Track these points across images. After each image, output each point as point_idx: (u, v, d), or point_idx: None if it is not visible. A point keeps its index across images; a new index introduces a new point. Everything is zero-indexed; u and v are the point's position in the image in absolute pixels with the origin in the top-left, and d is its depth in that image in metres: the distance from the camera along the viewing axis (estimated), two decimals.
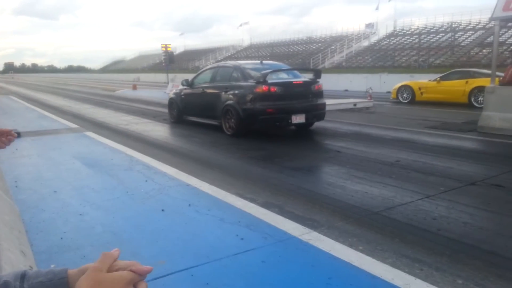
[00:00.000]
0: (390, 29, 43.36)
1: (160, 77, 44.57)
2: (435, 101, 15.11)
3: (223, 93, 8.85)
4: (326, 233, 3.67)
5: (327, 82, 27.34)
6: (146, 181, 5.30)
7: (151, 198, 4.63)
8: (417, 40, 37.19)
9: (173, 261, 3.09)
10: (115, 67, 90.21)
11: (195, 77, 10.64)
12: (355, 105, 14.99)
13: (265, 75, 8.27)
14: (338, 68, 37.04)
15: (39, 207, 4.33)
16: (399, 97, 16.42)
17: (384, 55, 37.21)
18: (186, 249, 3.30)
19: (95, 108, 16.71)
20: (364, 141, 8.34)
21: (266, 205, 4.40)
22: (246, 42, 64.75)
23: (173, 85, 26.79)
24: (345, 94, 22.36)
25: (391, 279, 2.81)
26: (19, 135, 8.88)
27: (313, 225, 3.87)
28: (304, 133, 9.24)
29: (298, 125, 9.01)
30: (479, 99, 13.44)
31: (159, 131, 10.10)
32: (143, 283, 0.76)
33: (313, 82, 9.03)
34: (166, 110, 14.94)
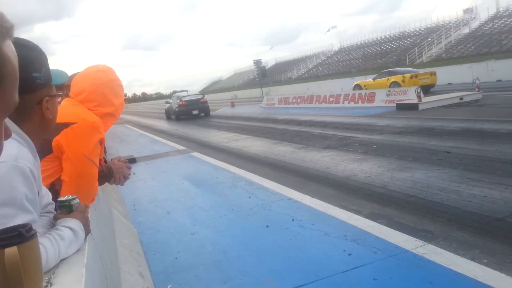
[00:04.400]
0: (492, 11, 39.40)
1: (255, 92, 45.83)
2: None
3: (173, 105, 25.49)
4: (443, 245, 3.36)
5: None
6: (250, 197, 5.43)
7: (255, 214, 4.72)
8: None
9: (282, 279, 3.08)
10: (214, 88, 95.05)
11: (171, 99, 27.72)
12: (461, 99, 13.77)
13: (182, 97, 25.36)
14: (438, 61, 34.55)
15: (155, 228, 4.67)
16: None
17: (488, 40, 33.84)
18: (293, 266, 3.28)
19: (198, 128, 17.73)
20: (476, 138, 7.58)
21: (372, 217, 4.21)
22: (335, 47, 63.82)
23: (268, 98, 27.33)
24: (449, 88, 20.65)
25: None
26: (134, 161, 9.78)
27: (427, 236, 3.58)
28: (406, 134, 8.71)
29: (196, 115, 24.23)
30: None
31: (258, 146, 10.33)
32: None
33: (200, 97, 25.90)
34: (263, 125, 15.30)
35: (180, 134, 16.20)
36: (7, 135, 0.68)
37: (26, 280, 0.88)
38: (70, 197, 1.47)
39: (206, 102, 25.08)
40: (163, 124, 23.50)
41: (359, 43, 58.99)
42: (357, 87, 23.10)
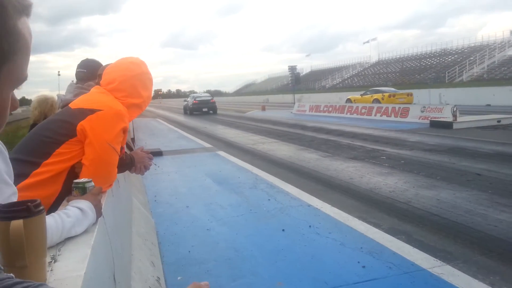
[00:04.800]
0: None
1: (288, 98, 45.79)
2: None
3: (189, 103, 31.73)
4: (462, 267, 3.25)
5: (465, 96, 25.03)
6: (269, 199, 5.42)
7: (273, 217, 4.70)
8: None
9: (291, 283, 3.05)
10: (247, 90, 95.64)
11: (188, 98, 34.08)
12: (499, 121, 13.30)
13: (196, 97, 32.46)
14: (478, 81, 33.50)
15: (172, 220, 4.73)
16: None
17: None
18: (304, 272, 3.24)
19: (226, 128, 17.86)
20: (510, 162, 7.30)
21: (391, 231, 4.11)
22: (373, 59, 63.01)
23: (299, 105, 27.25)
24: (487, 109, 19.97)
25: None
26: (160, 154, 9.95)
27: (446, 257, 3.47)
28: (437, 153, 8.48)
29: (205, 112, 30.07)
30: None
31: (284, 150, 10.30)
32: None
33: (210, 98, 32.19)
34: (291, 130, 15.26)
35: (208, 132, 16.36)
36: (14, 107, 0.72)
37: (28, 253, 0.91)
38: (85, 179, 1.51)
39: (214, 102, 31.58)
40: (193, 121, 23.80)
41: (398, 56, 58.04)
42: (348, 101, 26.47)
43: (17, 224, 0.88)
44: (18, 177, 1.73)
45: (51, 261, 1.06)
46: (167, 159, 9.45)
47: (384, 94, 24.12)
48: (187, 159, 9.43)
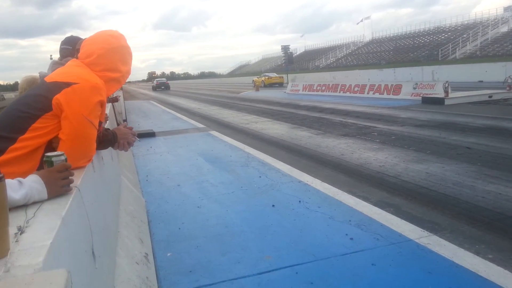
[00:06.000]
0: None
1: None
2: None
3: (154, 84, 58.19)
4: (448, 237, 3.29)
5: (457, 73, 25.06)
6: (260, 177, 5.43)
7: (263, 193, 4.72)
8: None
9: (279, 257, 3.08)
10: (241, 71, 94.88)
11: (154, 81, 60.72)
12: (490, 96, 13.34)
13: (157, 80, 60.14)
14: (471, 58, 33.42)
15: (163, 199, 4.73)
16: None
17: None
18: (292, 245, 3.27)
19: (220, 109, 17.77)
20: (500, 136, 7.33)
21: (380, 204, 4.14)
22: (367, 38, 62.59)
23: (293, 84, 27.13)
24: (479, 85, 19.96)
25: None
26: (153, 135, 9.91)
27: (433, 228, 3.51)
28: (428, 128, 8.49)
29: (163, 89, 52.26)
30: None
31: (276, 129, 10.28)
32: None
33: (165, 80, 58.94)
34: (284, 109, 15.23)
35: (202, 113, 16.28)
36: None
37: None
38: (57, 153, 1.48)
39: (168, 84, 55.13)
40: (187, 103, 23.67)
41: (391, 35, 57.61)
42: (253, 82, 39.71)
43: None
44: None
45: (18, 232, 1.04)
46: (160, 140, 9.42)
47: (266, 76, 40.25)
48: (179, 139, 9.40)
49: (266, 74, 43.26)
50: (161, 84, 53.94)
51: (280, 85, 37.03)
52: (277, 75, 40.35)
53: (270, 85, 37.93)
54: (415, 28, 54.28)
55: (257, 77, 40.81)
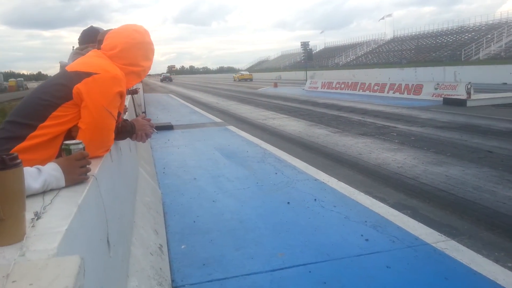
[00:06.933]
0: None
1: (300, 74, 45.31)
2: None
3: (161, 77, 78.22)
4: (467, 243, 3.21)
5: (480, 74, 24.52)
6: (276, 173, 5.41)
7: (279, 190, 4.70)
8: None
9: (293, 254, 3.06)
10: (260, 67, 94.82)
11: (162, 75, 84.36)
12: None
13: (163, 74, 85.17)
14: (495, 59, 32.62)
15: (179, 191, 4.76)
16: None
17: None
18: (306, 244, 3.24)
19: (238, 104, 17.78)
20: None
21: (397, 206, 4.08)
22: (388, 36, 61.72)
23: (311, 81, 26.96)
24: (503, 87, 19.48)
25: None
26: (171, 128, 9.98)
27: (451, 232, 3.43)
28: (449, 130, 8.33)
29: (168, 81, 68.89)
30: None
31: (294, 126, 10.23)
32: None
33: (169, 74, 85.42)
34: (302, 106, 15.14)
35: (220, 108, 16.32)
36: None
37: (2, 205, 0.89)
38: (75, 141, 1.49)
39: (171, 78, 76.24)
40: (206, 97, 23.76)
41: (413, 34, 56.73)
42: (233, 78, 53.56)
43: None
44: (15, 139, 1.73)
45: (34, 218, 1.05)
46: (178, 133, 9.48)
47: (240, 74, 55.13)
48: (197, 133, 9.44)
49: (241, 72, 64.18)
50: (165, 77, 73.80)
51: (250, 80, 53.36)
52: (248, 73, 59.10)
53: (244, 80, 53.33)
54: (437, 27, 53.42)
55: (235, 74, 61.40)
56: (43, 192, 1.28)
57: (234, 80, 54.59)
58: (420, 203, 4.20)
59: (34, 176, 1.25)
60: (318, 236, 3.41)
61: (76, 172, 1.40)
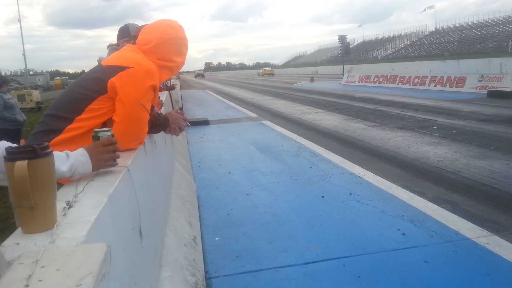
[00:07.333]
0: None
1: (337, 69, 44.62)
2: None
3: (196, 73, 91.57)
4: (510, 238, 3.06)
5: None
6: (311, 167, 5.36)
7: (313, 184, 4.66)
8: None
9: (327, 248, 3.03)
10: (296, 62, 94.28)
11: (197, 70, 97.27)
12: None
13: (198, 70, 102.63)
14: None
15: (214, 185, 4.82)
16: None
17: None
18: (341, 237, 3.20)
19: (274, 99, 17.76)
20: None
21: (436, 200, 3.94)
22: (430, 28, 59.71)
23: (348, 75, 26.51)
24: None
25: None
26: (207, 123, 10.10)
27: (494, 227, 3.29)
28: (493, 123, 7.95)
29: (201, 76, 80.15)
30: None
31: (330, 120, 10.10)
32: None
33: (202, 71, 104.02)
34: (339, 100, 14.92)
35: (255, 103, 16.36)
36: None
37: (33, 194, 0.93)
38: (104, 129, 1.53)
39: (203, 74, 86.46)
40: (241, 93, 23.88)
41: (456, 25, 54.57)
42: (257, 73, 56.17)
43: (21, 165, 0.90)
44: (53, 132, 1.80)
45: (66, 206, 1.08)
46: (213, 128, 9.59)
47: (263, 69, 59.86)
48: (232, 128, 9.51)
49: (264, 68, 71.81)
50: (199, 74, 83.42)
51: (272, 75, 59.12)
52: (270, 69, 66.46)
53: (267, 75, 58.90)
54: (482, 17, 51.09)
55: (259, 70, 67.35)
56: (76, 181, 1.33)
57: (258, 75, 61.12)
58: (461, 198, 4.05)
59: (62, 160, 1.30)
60: (353, 230, 3.36)
61: (102, 158, 1.44)
